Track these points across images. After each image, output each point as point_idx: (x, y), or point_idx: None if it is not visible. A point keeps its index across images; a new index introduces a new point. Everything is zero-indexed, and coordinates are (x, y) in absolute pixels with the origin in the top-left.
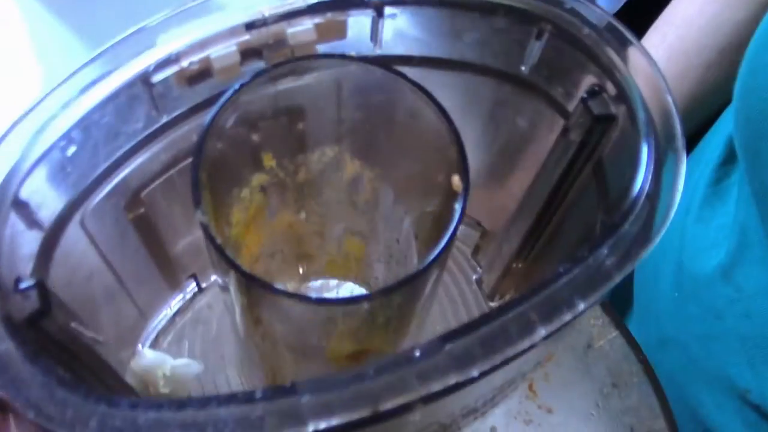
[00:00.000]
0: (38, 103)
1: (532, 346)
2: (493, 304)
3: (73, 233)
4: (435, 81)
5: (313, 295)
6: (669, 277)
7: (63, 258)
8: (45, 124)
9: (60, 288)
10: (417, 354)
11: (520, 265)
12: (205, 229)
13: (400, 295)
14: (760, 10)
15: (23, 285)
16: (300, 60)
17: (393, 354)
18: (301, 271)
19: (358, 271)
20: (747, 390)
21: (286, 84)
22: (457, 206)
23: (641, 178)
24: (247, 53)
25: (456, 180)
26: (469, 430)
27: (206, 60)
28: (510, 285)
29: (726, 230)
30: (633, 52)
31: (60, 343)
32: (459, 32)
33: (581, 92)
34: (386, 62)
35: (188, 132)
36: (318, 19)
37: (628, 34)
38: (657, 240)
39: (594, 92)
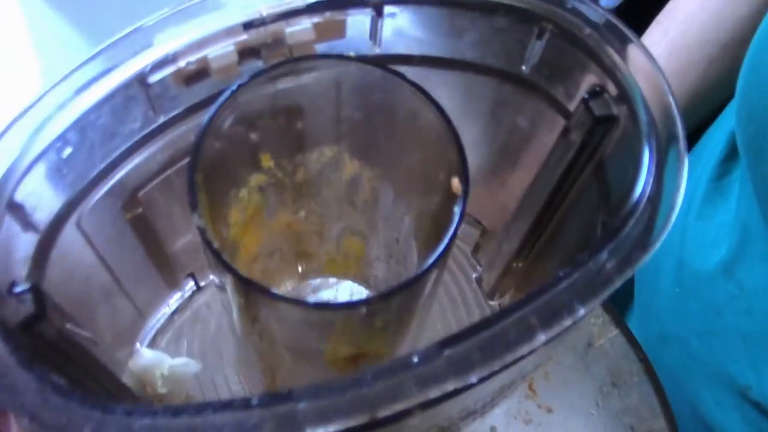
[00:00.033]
0: (32, 105)
1: (531, 352)
2: (493, 303)
3: (70, 235)
4: (435, 80)
5: (312, 293)
6: (670, 273)
7: (59, 260)
8: (40, 125)
9: (56, 290)
10: (415, 360)
11: (520, 265)
12: (202, 232)
13: (399, 299)
14: (762, 5)
15: (18, 289)
16: (298, 60)
17: (391, 359)
18: (300, 269)
19: (358, 269)
20: (747, 387)
21: (285, 84)
22: (457, 209)
23: (642, 181)
24: (245, 53)
25: (456, 182)
26: (469, 430)
27: (204, 60)
28: (510, 284)
29: (727, 227)
30: (634, 52)
31: (55, 347)
32: (459, 31)
33: (582, 92)
34: (386, 61)
35: (186, 132)
36: (317, 19)
37: (629, 33)
38: (658, 244)
39: (595, 93)
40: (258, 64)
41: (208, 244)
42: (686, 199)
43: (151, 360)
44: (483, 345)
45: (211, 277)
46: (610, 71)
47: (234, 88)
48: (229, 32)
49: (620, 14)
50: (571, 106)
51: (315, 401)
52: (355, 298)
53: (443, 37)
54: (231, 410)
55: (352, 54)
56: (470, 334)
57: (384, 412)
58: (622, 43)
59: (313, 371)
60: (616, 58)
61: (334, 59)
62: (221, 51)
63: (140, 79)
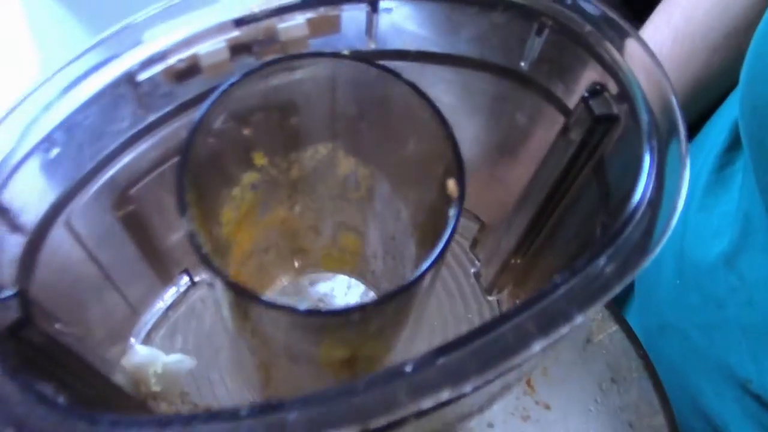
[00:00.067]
0: (17, 105)
1: (527, 359)
2: (491, 298)
3: (58, 235)
4: (432, 76)
5: (309, 285)
6: (670, 264)
7: (48, 260)
8: (25, 126)
9: (45, 291)
10: (408, 369)
11: (518, 261)
12: (191, 237)
13: (393, 304)
14: None
15: (3, 295)
16: (291, 59)
17: (384, 368)
18: (296, 264)
19: (354, 264)
20: (748, 380)
21: (278, 82)
22: (452, 212)
23: (643, 185)
24: (237, 49)
25: (452, 184)
26: (465, 427)
27: (194, 57)
28: (508, 280)
29: (729, 218)
30: (635, 47)
31: (43, 351)
32: (457, 27)
33: (582, 89)
34: (381, 57)
35: (178, 129)
36: (310, 14)
37: (630, 29)
38: (658, 249)
39: (595, 91)
40: (250, 61)
41: (197, 248)
42: (688, 189)
43: (145, 357)
44: (478, 353)
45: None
46: (610, 69)
47: (225, 87)
48: (220, 28)
49: (626, 1)
50: (571, 104)
51: (306, 412)
52: (353, 291)
53: (440, 33)
54: (220, 421)
55: (346, 52)
56: (464, 342)
57: (376, 423)
58: (622, 39)
59: (307, 370)
60: (617, 55)
61: (328, 58)
62: (212, 48)
63: (129, 77)
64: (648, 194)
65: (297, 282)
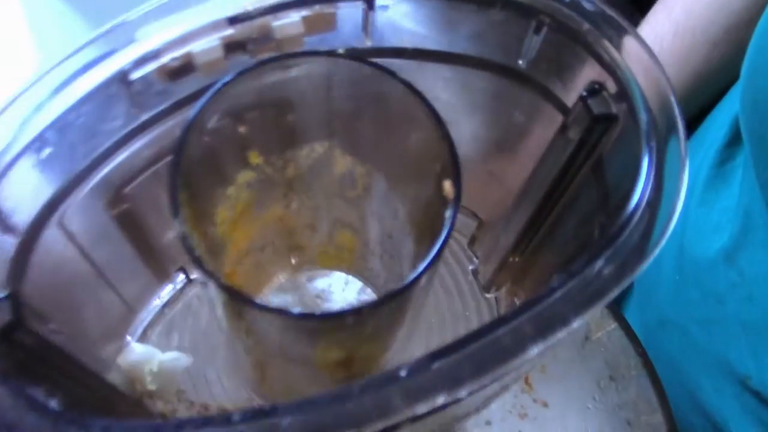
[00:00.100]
0: (8, 105)
1: (524, 363)
2: (488, 296)
3: (51, 235)
4: (430, 73)
5: (307, 281)
6: (670, 260)
7: (41, 261)
8: (17, 126)
9: (38, 291)
10: (403, 373)
11: (516, 259)
12: (183, 239)
13: (388, 307)
14: None
15: None
16: (286, 58)
17: (378, 373)
18: (293, 261)
19: (351, 262)
20: (747, 376)
21: (273, 80)
22: (448, 213)
23: (641, 188)
24: (231, 47)
25: (448, 185)
26: (463, 426)
27: (188, 55)
28: (506, 277)
29: (730, 213)
30: (633, 46)
31: (35, 353)
32: (454, 25)
33: (580, 88)
34: (378, 55)
35: (173, 127)
36: (306, 12)
37: (628, 27)
38: (656, 251)
39: (594, 90)
40: (245, 59)
41: (189, 251)
42: (688, 184)
43: (141, 355)
44: (473, 357)
45: None
46: (609, 67)
47: (218, 86)
48: (214, 26)
49: None
50: (569, 102)
51: (299, 417)
52: (350, 287)
53: (438, 31)
54: (212, 426)
55: (341, 50)
56: (460, 346)
57: (371, 428)
58: (621, 37)
59: (303, 370)
60: (615, 53)
61: (323, 57)
62: (206, 45)
63: (122, 76)
64: (646, 196)
65: (294, 279)
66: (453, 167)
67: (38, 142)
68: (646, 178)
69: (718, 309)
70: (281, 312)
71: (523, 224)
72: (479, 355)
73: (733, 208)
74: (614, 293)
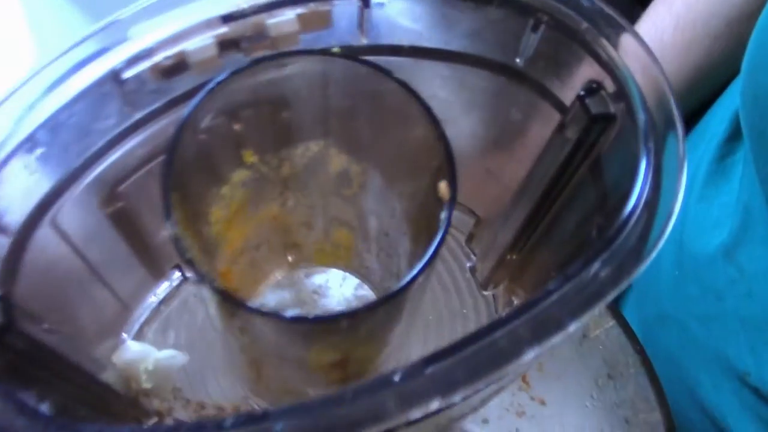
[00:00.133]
0: None
1: (519, 367)
2: (486, 293)
3: (44, 235)
4: (427, 71)
5: (304, 277)
6: (669, 255)
7: (34, 261)
8: (9, 126)
9: (30, 292)
10: (397, 378)
11: (514, 257)
12: (176, 241)
13: (383, 309)
14: None
15: None
16: (280, 57)
17: (372, 377)
18: (290, 259)
19: (348, 259)
20: (746, 372)
21: (267, 79)
22: (444, 215)
23: (639, 187)
24: (226, 44)
25: (443, 186)
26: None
27: (181, 54)
28: (504, 275)
29: (729, 209)
30: (631, 44)
31: (26, 355)
32: (451, 22)
33: (578, 87)
34: (374, 52)
35: (167, 125)
36: (300, 10)
37: (626, 25)
38: (653, 254)
39: (591, 90)
40: (239, 57)
41: (181, 253)
42: (688, 179)
43: (136, 354)
44: (468, 362)
45: None
46: (607, 66)
47: (211, 86)
48: (208, 24)
49: None
50: (567, 101)
51: (292, 422)
52: (347, 282)
53: (434, 28)
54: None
55: (336, 49)
56: (454, 350)
57: None
58: (619, 36)
59: (298, 370)
60: (614, 53)
61: (317, 56)
62: (200, 44)
63: (114, 75)
64: (644, 197)
65: (292, 275)
66: (448, 168)
67: (30, 141)
68: (643, 180)
69: (718, 305)
70: (274, 316)
71: (520, 222)
72: (474, 360)
73: (733, 204)
74: (611, 296)
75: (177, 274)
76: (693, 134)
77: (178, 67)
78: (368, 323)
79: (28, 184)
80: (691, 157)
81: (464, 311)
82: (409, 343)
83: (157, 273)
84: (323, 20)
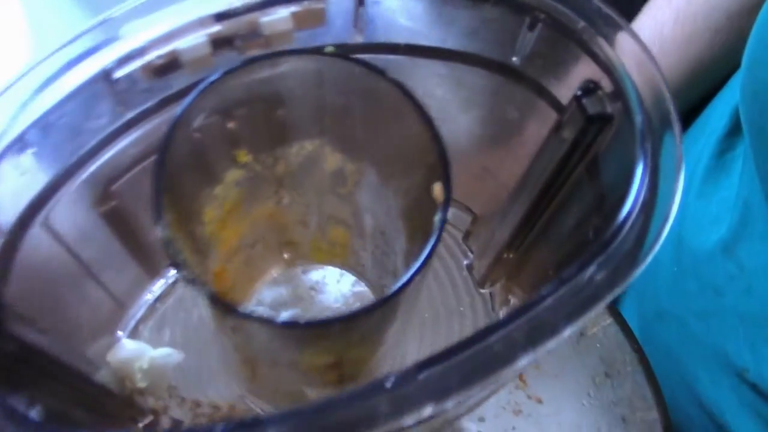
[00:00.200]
0: None
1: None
2: (483, 291)
3: (36, 235)
4: (425, 69)
5: (302, 274)
6: (668, 250)
7: (25, 261)
8: None
9: (22, 293)
10: (389, 384)
11: (511, 255)
12: (166, 245)
13: (376, 314)
14: None
15: None
16: (273, 57)
17: (364, 383)
18: (286, 256)
19: (345, 257)
20: (744, 368)
21: (261, 78)
22: (438, 218)
23: (635, 191)
24: (219, 43)
25: (437, 189)
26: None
27: (173, 53)
28: (501, 273)
29: (728, 204)
30: (627, 42)
31: (17, 358)
32: (447, 21)
33: (575, 86)
34: (370, 50)
35: (160, 124)
36: (294, 8)
37: (624, 24)
38: (649, 258)
39: (588, 90)
40: (233, 55)
41: (171, 257)
42: (687, 175)
43: (131, 352)
44: (461, 368)
45: None
46: (604, 66)
47: (203, 87)
48: (201, 23)
49: None
50: (564, 100)
51: (283, 428)
52: (345, 278)
53: (431, 26)
54: None
55: (330, 48)
56: (447, 356)
57: None
58: (616, 34)
59: (292, 371)
60: (611, 53)
61: (310, 56)
62: (193, 42)
63: (106, 74)
64: (641, 201)
65: (289, 270)
66: (443, 170)
67: (21, 141)
68: (640, 183)
69: (716, 301)
70: (265, 321)
71: (517, 221)
72: (467, 365)
73: (732, 200)
74: (607, 300)
75: (172, 272)
76: (693, 129)
77: (170, 65)
78: (361, 327)
79: (19, 184)
80: (691, 152)
81: (461, 309)
82: (405, 341)
83: (152, 271)
84: (318, 18)
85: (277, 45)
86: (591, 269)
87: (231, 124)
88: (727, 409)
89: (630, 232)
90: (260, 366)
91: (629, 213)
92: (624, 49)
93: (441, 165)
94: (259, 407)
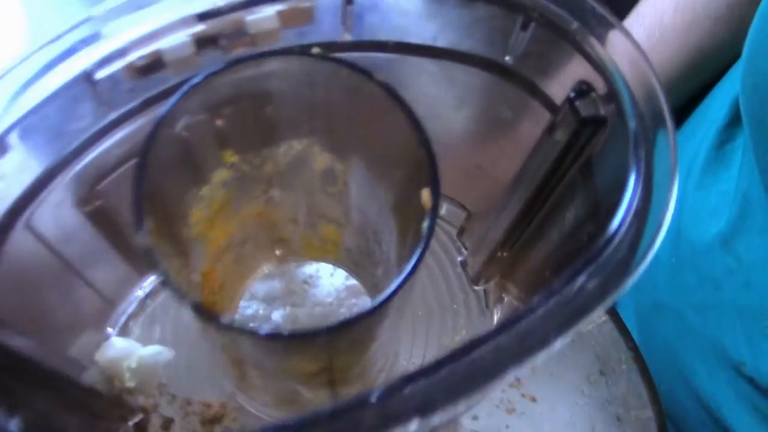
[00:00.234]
0: None
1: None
2: (477, 288)
3: (19, 237)
4: (415, 67)
5: (295, 268)
6: (666, 243)
7: (6, 264)
8: None
9: (4, 296)
10: (374, 399)
11: (505, 254)
12: (147, 254)
13: (362, 323)
14: None
15: None
16: (257, 58)
17: (349, 397)
18: (277, 253)
19: (337, 253)
20: (741, 362)
21: (245, 77)
22: (426, 224)
23: (628, 198)
24: (203, 42)
25: (425, 195)
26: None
27: (156, 53)
28: (495, 271)
29: (728, 197)
30: (619, 40)
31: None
32: (438, 19)
33: (569, 86)
34: (359, 48)
35: (144, 124)
36: (281, 6)
37: (617, 23)
38: (642, 268)
39: (582, 92)
40: (218, 54)
41: (152, 267)
42: (686, 166)
43: (120, 351)
44: (447, 381)
45: None
46: (597, 66)
47: (185, 90)
48: (184, 22)
49: None
50: (557, 100)
51: None
52: (338, 272)
53: (421, 24)
54: None
55: (316, 49)
56: (434, 369)
57: None
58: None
59: (280, 375)
60: (604, 53)
61: (296, 56)
62: (176, 42)
63: (87, 75)
64: (633, 210)
65: (281, 265)
66: (431, 175)
67: (1, 143)
68: (633, 191)
69: (714, 294)
70: (247, 332)
71: (511, 220)
72: (454, 379)
73: (732, 192)
74: (598, 311)
75: None
76: (692, 119)
77: (153, 66)
78: (349, 336)
79: (1, 187)
80: (690, 143)
81: (455, 306)
82: (398, 338)
83: (142, 268)
84: (305, 16)
85: (263, 44)
86: (581, 279)
87: (216, 125)
88: (724, 402)
89: (623, 241)
90: (248, 367)
91: (621, 222)
92: (617, 48)
93: (428, 169)
94: (250, 406)
